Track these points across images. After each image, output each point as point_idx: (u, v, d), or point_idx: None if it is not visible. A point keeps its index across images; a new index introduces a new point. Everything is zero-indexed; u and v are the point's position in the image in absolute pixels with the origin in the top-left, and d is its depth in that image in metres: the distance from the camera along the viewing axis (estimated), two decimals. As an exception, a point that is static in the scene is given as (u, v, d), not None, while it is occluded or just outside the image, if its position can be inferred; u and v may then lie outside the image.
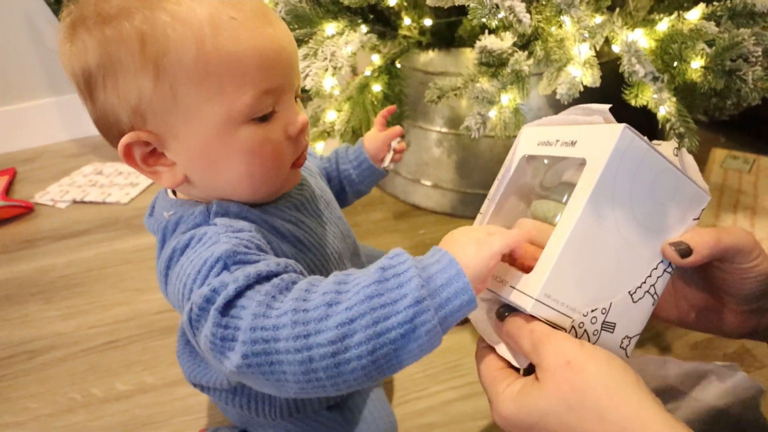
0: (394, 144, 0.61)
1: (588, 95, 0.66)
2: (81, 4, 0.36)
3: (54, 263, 1.04)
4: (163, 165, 0.40)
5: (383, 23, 0.88)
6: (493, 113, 0.66)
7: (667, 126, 0.59)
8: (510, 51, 0.64)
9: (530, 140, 0.44)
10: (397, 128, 0.61)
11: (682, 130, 0.57)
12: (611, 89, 0.65)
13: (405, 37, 0.88)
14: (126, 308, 0.89)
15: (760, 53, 0.56)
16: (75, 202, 1.28)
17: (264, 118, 0.39)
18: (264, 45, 0.37)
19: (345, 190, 0.63)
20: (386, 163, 0.62)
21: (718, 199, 0.85)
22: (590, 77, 0.60)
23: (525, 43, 0.67)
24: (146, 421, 0.68)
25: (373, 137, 0.62)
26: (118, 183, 1.35)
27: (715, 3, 0.59)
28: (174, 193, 0.46)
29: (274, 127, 0.40)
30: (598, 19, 0.61)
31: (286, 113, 0.40)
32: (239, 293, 0.32)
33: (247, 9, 0.37)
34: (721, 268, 0.39)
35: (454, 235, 0.34)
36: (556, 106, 0.88)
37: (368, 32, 0.78)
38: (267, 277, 0.33)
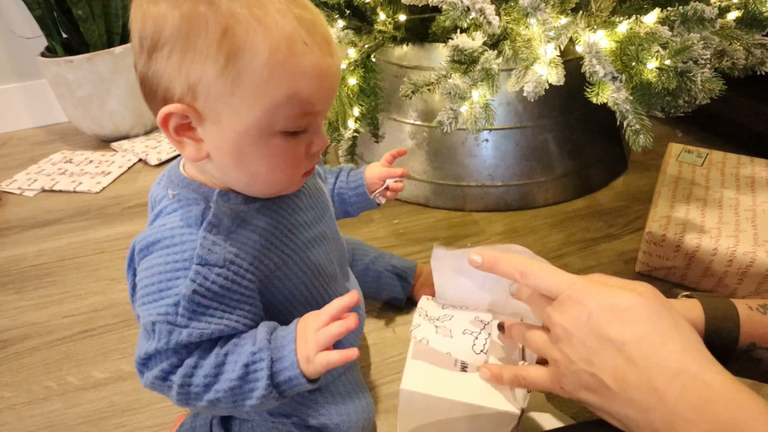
0: (390, 182, 0.64)
1: (554, 91, 0.70)
2: None
3: (24, 253, 1.03)
4: (191, 138, 0.42)
5: (359, 18, 0.90)
6: (464, 108, 0.69)
7: (624, 123, 0.63)
8: (480, 50, 0.67)
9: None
10: (398, 169, 0.65)
11: (637, 126, 0.61)
12: (576, 86, 0.69)
13: (380, 31, 0.90)
14: (101, 297, 0.89)
15: (708, 56, 0.60)
16: (44, 190, 1.26)
17: (295, 134, 0.42)
18: (321, 75, 0.40)
19: (334, 206, 0.65)
20: (375, 194, 0.65)
21: (673, 191, 0.91)
22: (555, 76, 0.64)
23: (495, 42, 0.70)
24: (125, 407, 0.69)
25: (374, 169, 0.65)
26: (89, 171, 1.32)
27: (669, 8, 0.63)
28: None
29: (301, 142, 0.43)
30: (563, 20, 0.64)
31: (313, 132, 0.44)
32: (171, 370, 0.42)
33: (318, 37, 0.40)
34: None
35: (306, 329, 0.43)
36: (524, 101, 0.92)
37: (345, 27, 0.79)
38: (188, 349, 0.42)
